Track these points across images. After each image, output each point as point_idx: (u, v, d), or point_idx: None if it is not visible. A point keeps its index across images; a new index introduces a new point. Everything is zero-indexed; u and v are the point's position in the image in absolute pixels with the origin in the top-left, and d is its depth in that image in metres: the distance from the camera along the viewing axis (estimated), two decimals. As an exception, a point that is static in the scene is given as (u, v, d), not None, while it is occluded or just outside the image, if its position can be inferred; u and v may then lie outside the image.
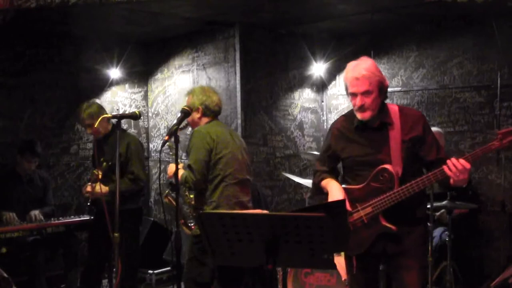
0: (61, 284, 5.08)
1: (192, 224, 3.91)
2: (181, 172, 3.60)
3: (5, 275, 3.75)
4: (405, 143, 2.82)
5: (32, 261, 4.65)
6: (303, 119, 6.15)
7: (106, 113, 4.38)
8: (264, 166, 5.71)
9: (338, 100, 6.28)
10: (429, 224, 4.20)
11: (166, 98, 6.30)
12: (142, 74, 6.47)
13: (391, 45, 5.83)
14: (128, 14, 4.92)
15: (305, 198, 5.46)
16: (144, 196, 4.24)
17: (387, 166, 2.78)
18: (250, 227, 2.22)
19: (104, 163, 4.25)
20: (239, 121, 5.46)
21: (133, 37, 6.04)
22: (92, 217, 4.75)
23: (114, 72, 6.15)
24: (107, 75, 6.12)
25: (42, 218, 4.80)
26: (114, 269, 4.52)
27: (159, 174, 3.30)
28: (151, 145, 6.52)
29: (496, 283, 3.46)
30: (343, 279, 4.00)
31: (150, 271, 5.53)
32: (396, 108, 2.91)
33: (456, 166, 2.62)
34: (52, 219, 4.86)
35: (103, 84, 6.12)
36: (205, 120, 3.75)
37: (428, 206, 4.18)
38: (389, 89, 6.07)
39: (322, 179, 3.04)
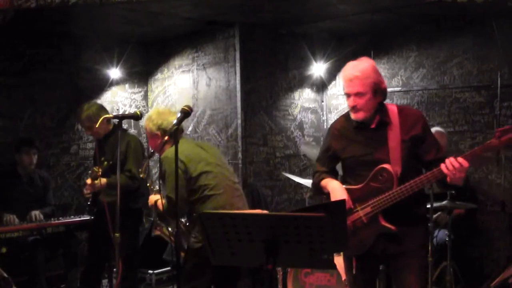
0: (61, 284, 5.08)
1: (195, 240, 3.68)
2: (158, 200, 3.53)
3: (5, 275, 3.76)
4: (404, 142, 2.81)
5: (32, 261, 4.65)
6: (303, 119, 6.15)
7: (108, 114, 4.36)
8: (264, 166, 5.71)
9: (338, 100, 6.27)
10: (429, 224, 4.21)
11: (166, 98, 6.31)
12: (142, 74, 6.47)
13: (391, 45, 5.83)
14: (128, 14, 4.92)
15: (305, 198, 5.46)
16: (145, 196, 4.24)
17: (386, 165, 2.78)
18: (250, 227, 2.22)
19: (105, 162, 4.26)
20: (239, 121, 5.46)
21: (133, 37, 6.04)
22: (92, 217, 4.75)
23: (114, 72, 6.15)
24: (107, 75, 6.12)
25: (42, 218, 4.80)
26: (114, 269, 4.53)
27: (159, 174, 3.29)
28: (151, 145, 6.52)
29: (496, 283, 3.46)
30: (343, 279, 4.00)
31: (150, 271, 5.53)
32: (395, 108, 2.91)
33: (453, 165, 2.61)
34: (52, 219, 4.85)
35: (103, 84, 6.12)
36: (168, 144, 3.42)
37: (428, 206, 4.19)
38: (389, 89, 6.10)
39: (322, 179, 3.04)
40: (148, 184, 4.12)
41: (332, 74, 6.26)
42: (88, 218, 4.87)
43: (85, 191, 4.44)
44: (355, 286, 3.01)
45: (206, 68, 5.80)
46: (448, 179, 2.69)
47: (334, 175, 3.08)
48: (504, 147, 2.58)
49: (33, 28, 5.39)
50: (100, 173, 4.20)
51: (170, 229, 3.90)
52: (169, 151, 3.43)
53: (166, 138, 3.07)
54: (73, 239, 4.96)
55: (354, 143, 2.93)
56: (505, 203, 4.98)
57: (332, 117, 6.23)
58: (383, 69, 5.86)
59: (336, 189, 2.91)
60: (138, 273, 5.02)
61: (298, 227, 2.16)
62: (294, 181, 5.26)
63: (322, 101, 6.37)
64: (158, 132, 3.62)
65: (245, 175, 5.47)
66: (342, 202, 2.71)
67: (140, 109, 6.31)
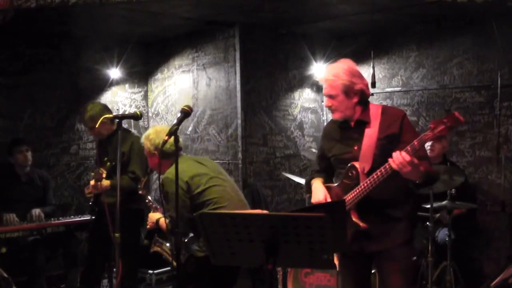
0: (61, 284, 5.08)
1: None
2: (161, 219, 3.59)
3: (5, 275, 3.77)
4: (379, 140, 2.85)
5: (32, 261, 4.65)
6: (303, 119, 6.15)
7: (110, 114, 4.34)
8: (264, 166, 5.71)
9: (338, 100, 6.26)
10: (429, 224, 4.21)
11: (166, 98, 6.31)
12: (142, 74, 6.48)
13: (391, 45, 5.83)
14: (128, 14, 4.92)
15: (305, 198, 5.46)
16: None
17: (354, 163, 2.86)
18: (250, 227, 2.22)
19: (108, 163, 4.25)
20: (239, 121, 5.46)
21: (133, 37, 6.04)
22: (93, 217, 4.74)
23: (114, 72, 6.15)
24: (107, 75, 6.12)
25: (43, 217, 4.80)
26: (114, 269, 4.53)
27: (159, 174, 3.29)
28: (151, 145, 6.51)
29: (496, 283, 3.46)
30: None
31: (150, 271, 5.53)
32: (380, 108, 2.96)
33: (398, 158, 2.61)
34: (52, 219, 4.86)
35: (103, 84, 6.12)
36: (167, 163, 3.49)
37: (428, 206, 4.19)
38: (389, 89, 6.10)
39: (312, 178, 3.15)
40: (147, 201, 4.11)
41: (332, 74, 6.25)
42: (88, 218, 4.86)
43: (87, 191, 4.44)
44: (345, 283, 3.08)
45: (206, 68, 5.80)
46: (402, 173, 2.65)
47: (326, 174, 3.14)
48: (437, 138, 2.62)
49: (33, 28, 5.39)
50: (105, 175, 4.20)
51: (168, 244, 3.92)
52: (169, 172, 3.41)
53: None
54: (73, 239, 4.96)
55: (337, 142, 3.03)
56: (505, 203, 4.97)
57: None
58: (383, 69, 5.86)
59: (316, 189, 3.03)
60: (138, 273, 5.02)
61: (298, 227, 2.16)
62: (294, 181, 5.26)
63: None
64: (156, 152, 3.60)
65: (245, 175, 5.47)
66: (342, 202, 2.74)
67: (140, 109, 6.32)
